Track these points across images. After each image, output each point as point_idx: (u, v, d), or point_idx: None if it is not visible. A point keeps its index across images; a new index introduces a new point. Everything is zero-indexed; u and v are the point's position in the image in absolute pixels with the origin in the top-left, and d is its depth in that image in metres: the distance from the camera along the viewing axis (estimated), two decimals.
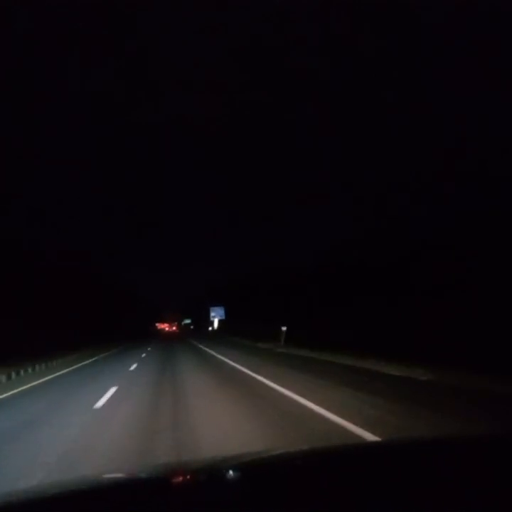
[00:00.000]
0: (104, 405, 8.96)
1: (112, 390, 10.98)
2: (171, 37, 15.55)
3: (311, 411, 7.55)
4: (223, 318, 64.48)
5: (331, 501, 1.15)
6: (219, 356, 22.56)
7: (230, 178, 29.73)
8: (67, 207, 34.48)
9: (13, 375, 17.18)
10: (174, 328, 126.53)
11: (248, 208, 35.35)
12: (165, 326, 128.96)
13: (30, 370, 19.12)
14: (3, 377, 16.19)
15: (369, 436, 5.62)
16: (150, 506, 1.24)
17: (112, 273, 64.46)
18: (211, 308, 67.50)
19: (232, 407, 8.17)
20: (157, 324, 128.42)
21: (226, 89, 18.59)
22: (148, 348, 34.73)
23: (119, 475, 1.93)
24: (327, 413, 7.27)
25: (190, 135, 23.70)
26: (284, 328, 28.78)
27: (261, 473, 1.56)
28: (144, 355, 26.75)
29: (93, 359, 25.58)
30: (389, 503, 1.12)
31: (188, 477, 1.67)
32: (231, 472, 1.65)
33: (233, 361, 18.87)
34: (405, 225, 17.11)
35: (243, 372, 14.39)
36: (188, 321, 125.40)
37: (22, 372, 18.21)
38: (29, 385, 14.47)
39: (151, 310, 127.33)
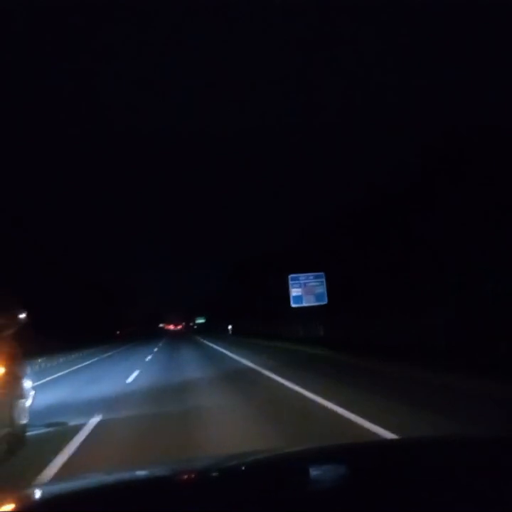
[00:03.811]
0: None
1: None
2: (174, 42, 15.56)
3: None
4: (325, 302, 24.00)
5: (336, 500, 1.18)
6: None
7: (232, 175, 29.87)
8: (75, 210, 34.81)
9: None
10: (180, 327, 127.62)
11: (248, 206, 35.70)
12: (171, 326, 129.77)
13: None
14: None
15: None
16: (152, 505, 1.27)
17: (115, 276, 64.47)
18: (291, 279, 24.12)
19: None
20: (162, 325, 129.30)
21: (228, 91, 18.62)
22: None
23: (122, 474, 1.94)
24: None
25: (192, 134, 23.72)
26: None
27: (267, 473, 1.58)
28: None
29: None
30: (392, 503, 1.14)
31: (192, 476, 1.67)
32: (235, 471, 1.67)
33: None
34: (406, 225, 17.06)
35: None
36: (201, 320, 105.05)
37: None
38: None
39: (155, 312, 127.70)
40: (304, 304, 23.76)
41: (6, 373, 5.29)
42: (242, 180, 30.72)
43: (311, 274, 23.93)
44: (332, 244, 23.60)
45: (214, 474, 1.68)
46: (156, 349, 29.81)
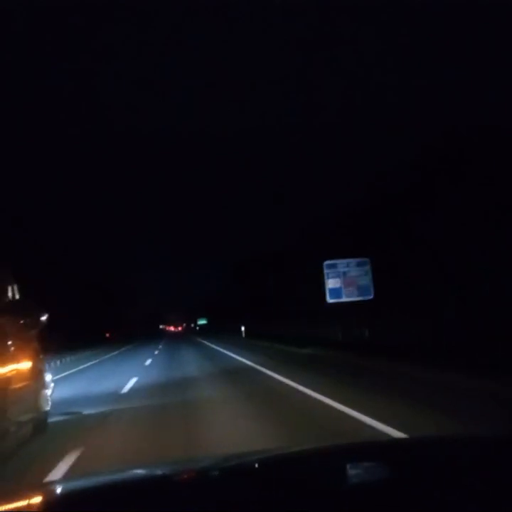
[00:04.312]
0: None
1: None
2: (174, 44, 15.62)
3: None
4: (370, 296, 18.87)
5: (337, 500, 1.18)
6: None
7: (232, 175, 29.95)
8: (75, 210, 34.97)
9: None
10: (180, 328, 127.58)
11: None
12: (171, 328, 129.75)
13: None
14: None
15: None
16: (152, 505, 1.26)
17: (115, 276, 64.49)
18: (327, 267, 19.41)
19: None
20: (162, 326, 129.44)
21: (228, 91, 18.66)
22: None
23: (122, 474, 1.95)
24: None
25: (192, 134, 23.75)
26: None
27: (267, 473, 1.58)
28: None
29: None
30: (393, 503, 1.14)
31: (192, 476, 1.64)
32: (235, 471, 1.66)
33: None
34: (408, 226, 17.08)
35: None
36: (203, 322, 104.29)
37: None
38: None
39: (155, 313, 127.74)
40: (344, 299, 18.88)
41: (32, 367, 6.18)
42: (242, 180, 30.80)
43: (352, 261, 19.26)
44: (332, 244, 23.64)
45: (214, 474, 1.68)
46: (149, 361, 20.40)
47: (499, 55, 14.15)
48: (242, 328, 41.95)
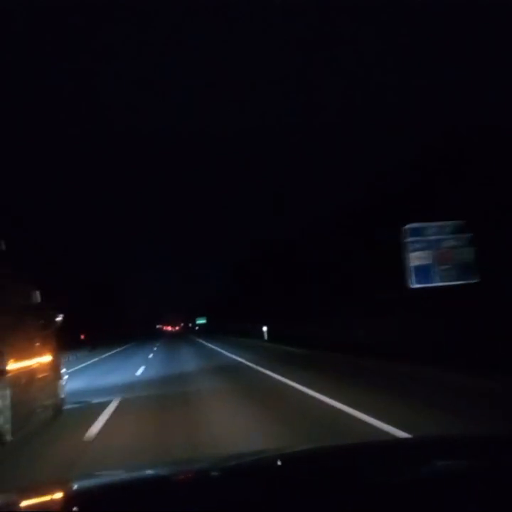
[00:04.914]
0: None
1: None
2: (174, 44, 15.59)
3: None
4: (476, 279, 12.22)
5: (337, 501, 1.18)
6: None
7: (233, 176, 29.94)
8: (75, 210, 35.04)
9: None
10: (177, 328, 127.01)
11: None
12: (168, 328, 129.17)
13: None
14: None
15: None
16: (153, 505, 1.26)
17: (116, 276, 64.53)
18: (412, 233, 12.46)
19: None
20: (159, 326, 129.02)
21: (228, 91, 18.65)
22: None
23: (122, 474, 1.94)
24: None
25: (192, 134, 23.78)
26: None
27: (267, 473, 1.58)
28: None
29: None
30: (393, 503, 1.14)
31: (192, 476, 1.66)
32: (235, 471, 1.66)
33: None
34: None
35: None
36: (202, 321, 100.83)
37: None
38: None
39: (155, 313, 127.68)
40: (437, 283, 12.70)
41: (52, 360, 7.37)
42: (242, 180, 30.84)
43: (446, 224, 13.08)
44: (332, 244, 23.68)
45: (214, 474, 1.69)
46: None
47: (499, 55, 14.18)
48: (264, 329, 32.17)
